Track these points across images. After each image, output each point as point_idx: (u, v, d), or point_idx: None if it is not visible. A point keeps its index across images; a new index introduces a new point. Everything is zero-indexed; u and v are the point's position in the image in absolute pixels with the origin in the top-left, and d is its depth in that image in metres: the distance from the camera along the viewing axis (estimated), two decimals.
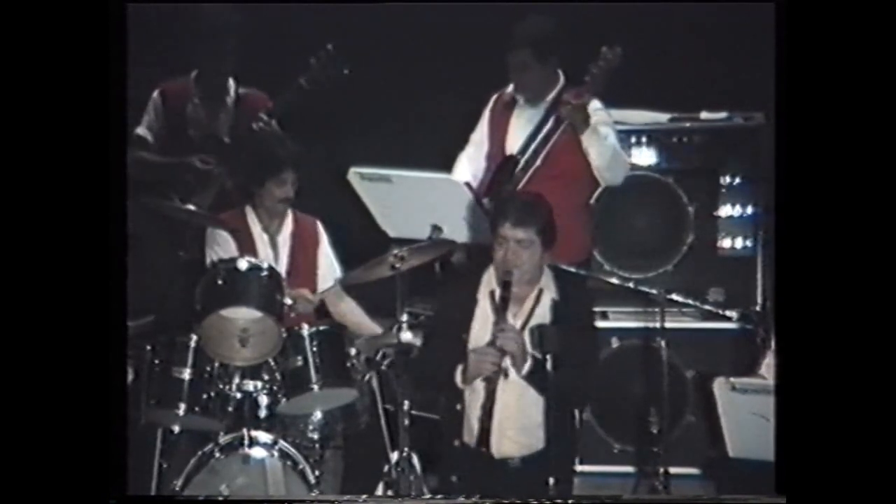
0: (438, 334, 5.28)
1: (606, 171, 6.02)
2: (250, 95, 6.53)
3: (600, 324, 6.61)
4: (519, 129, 6.12)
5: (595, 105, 6.01)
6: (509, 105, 6.19)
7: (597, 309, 6.60)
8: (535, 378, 5.03)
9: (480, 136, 6.25)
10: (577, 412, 6.48)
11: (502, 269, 5.11)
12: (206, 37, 6.44)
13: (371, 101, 7.38)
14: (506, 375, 5.09)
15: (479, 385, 5.08)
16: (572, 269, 5.77)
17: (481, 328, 5.18)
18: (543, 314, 5.18)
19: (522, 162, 6.02)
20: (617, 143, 6.06)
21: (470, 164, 6.22)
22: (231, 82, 6.54)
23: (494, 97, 6.25)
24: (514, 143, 6.12)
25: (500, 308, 5.10)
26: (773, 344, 5.25)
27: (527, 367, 5.05)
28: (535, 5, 6.19)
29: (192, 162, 6.38)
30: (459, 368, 5.11)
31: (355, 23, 7.03)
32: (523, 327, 5.14)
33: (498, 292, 5.15)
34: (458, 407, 5.15)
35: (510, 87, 6.19)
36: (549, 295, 5.22)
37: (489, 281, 5.25)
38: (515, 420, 5.11)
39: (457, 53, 7.15)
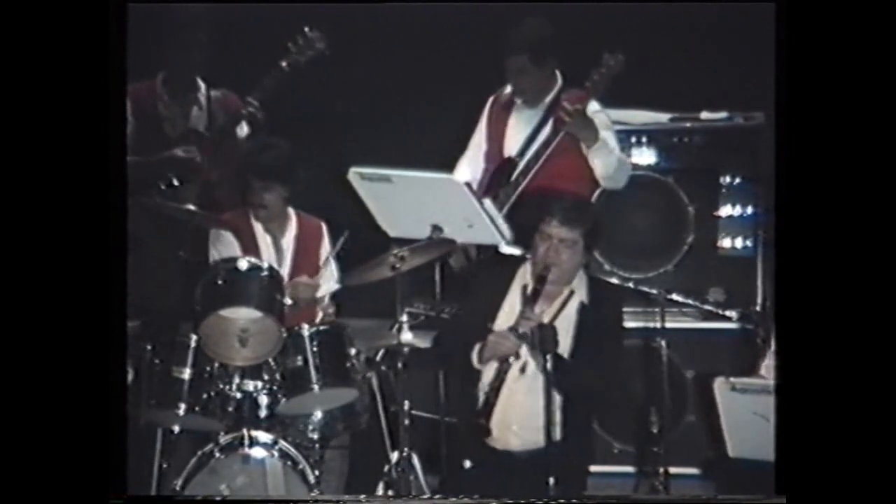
0: (465, 322, 5.33)
1: (610, 180, 6.03)
2: (223, 96, 6.51)
3: None
4: (517, 130, 6.12)
5: (594, 107, 6.00)
6: (507, 106, 6.18)
7: None
8: (553, 374, 5.06)
9: (479, 139, 6.25)
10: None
11: (542, 264, 5.15)
12: (172, 34, 6.40)
13: (371, 101, 7.38)
14: (522, 370, 5.13)
15: (493, 365, 5.15)
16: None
17: (506, 321, 5.24)
18: (570, 315, 5.25)
19: (521, 165, 6.02)
20: (618, 149, 6.05)
21: (469, 167, 6.23)
22: (201, 82, 6.51)
23: (492, 98, 6.25)
24: (512, 145, 6.12)
25: (531, 299, 5.15)
26: (773, 344, 5.24)
27: (549, 361, 5.07)
28: (533, 6, 6.19)
29: (174, 154, 6.33)
30: (476, 348, 5.18)
31: (354, 23, 7.02)
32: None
33: (531, 286, 5.21)
34: (474, 390, 5.23)
35: (508, 88, 6.18)
36: (579, 297, 5.28)
37: (523, 275, 5.33)
38: (522, 416, 5.16)
39: (457, 53, 7.15)
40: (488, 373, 5.21)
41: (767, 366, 5.25)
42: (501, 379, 5.13)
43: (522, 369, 5.18)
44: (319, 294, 5.94)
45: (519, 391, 5.18)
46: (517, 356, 5.16)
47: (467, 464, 5.23)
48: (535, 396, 5.09)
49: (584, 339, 5.22)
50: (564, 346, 5.18)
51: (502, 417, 5.18)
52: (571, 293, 5.28)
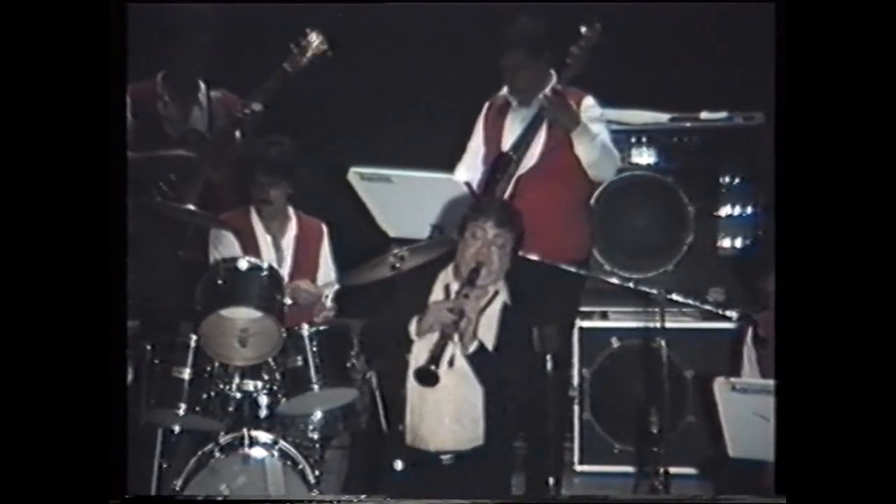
0: (388, 322, 5.34)
1: (594, 169, 6.00)
2: (223, 96, 6.50)
3: (600, 324, 6.66)
4: (513, 130, 6.10)
5: (588, 102, 6.01)
6: (503, 109, 6.17)
7: (597, 309, 6.66)
8: (476, 362, 5.11)
9: (476, 143, 6.24)
10: (576, 410, 6.57)
11: (474, 260, 5.16)
12: (173, 34, 6.39)
13: (371, 101, 7.38)
14: (451, 364, 5.13)
15: (432, 335, 5.13)
16: (571, 269, 5.78)
17: None
18: (493, 315, 5.24)
19: (517, 158, 6.01)
20: (608, 140, 6.03)
21: (468, 172, 6.20)
22: (201, 83, 6.50)
23: (487, 104, 6.23)
24: (508, 143, 6.11)
25: (466, 282, 5.16)
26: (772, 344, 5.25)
27: (473, 346, 5.13)
28: (531, 6, 6.18)
29: (176, 152, 6.32)
30: (415, 320, 5.16)
31: (354, 23, 7.02)
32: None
33: (454, 285, 5.22)
34: (402, 391, 5.20)
35: (503, 91, 6.17)
36: (502, 298, 5.27)
37: (445, 277, 5.32)
38: (454, 409, 5.16)
39: (457, 53, 7.15)
40: (428, 341, 5.19)
41: (750, 357, 5.31)
42: (445, 341, 5.11)
43: (451, 362, 5.17)
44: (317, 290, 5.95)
45: (449, 385, 5.17)
46: (456, 328, 5.14)
47: (399, 465, 5.23)
48: (466, 388, 5.13)
49: (506, 335, 5.22)
50: (487, 341, 5.19)
51: (434, 413, 5.17)
52: (496, 293, 5.30)
